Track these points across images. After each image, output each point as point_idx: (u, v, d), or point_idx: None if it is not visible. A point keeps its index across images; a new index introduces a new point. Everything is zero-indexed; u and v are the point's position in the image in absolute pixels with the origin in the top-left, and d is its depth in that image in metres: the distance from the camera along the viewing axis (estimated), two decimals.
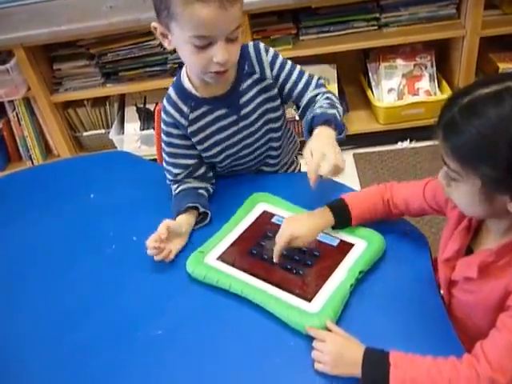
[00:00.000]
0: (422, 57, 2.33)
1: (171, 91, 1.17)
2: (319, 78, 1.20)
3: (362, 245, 1.03)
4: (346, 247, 1.03)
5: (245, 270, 1.02)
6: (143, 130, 2.41)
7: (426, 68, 2.33)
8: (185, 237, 1.13)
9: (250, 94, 1.16)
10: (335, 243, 1.04)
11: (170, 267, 1.08)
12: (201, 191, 1.20)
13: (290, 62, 1.18)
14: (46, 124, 2.39)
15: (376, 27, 2.25)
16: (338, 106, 1.14)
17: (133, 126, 2.43)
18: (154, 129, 2.34)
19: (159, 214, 1.18)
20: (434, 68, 2.33)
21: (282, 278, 0.99)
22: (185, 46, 1.01)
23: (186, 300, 1.02)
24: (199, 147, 1.20)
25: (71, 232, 1.22)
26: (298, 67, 1.19)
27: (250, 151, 1.23)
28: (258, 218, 1.14)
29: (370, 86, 2.38)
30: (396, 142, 2.38)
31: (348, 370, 0.83)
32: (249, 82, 1.15)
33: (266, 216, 1.14)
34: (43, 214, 1.29)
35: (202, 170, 1.22)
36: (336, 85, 2.35)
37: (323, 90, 1.18)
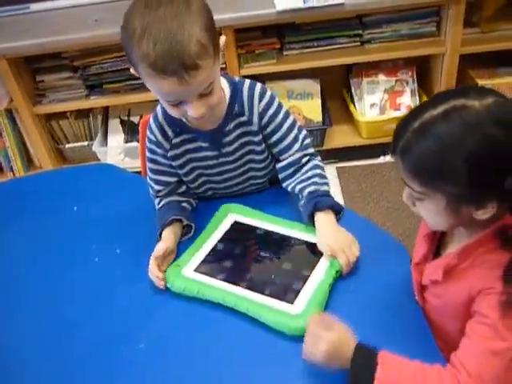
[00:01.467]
0: (404, 72, 2.37)
1: (159, 111, 1.14)
2: (306, 137, 1.16)
3: None
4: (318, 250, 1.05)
5: (224, 279, 1.04)
6: (127, 142, 2.41)
7: (407, 83, 2.37)
8: (175, 250, 1.12)
9: (234, 134, 1.13)
10: (310, 246, 1.07)
11: (152, 280, 1.08)
12: (184, 204, 1.20)
13: (282, 112, 1.13)
14: (28, 135, 2.38)
15: (359, 43, 2.28)
16: (325, 175, 1.15)
17: (116, 138, 2.42)
18: (138, 141, 2.35)
19: (143, 227, 1.19)
20: (416, 84, 2.37)
21: (262, 284, 1.01)
22: (159, 97, 1.01)
23: (169, 313, 1.01)
24: (180, 171, 1.19)
25: (54, 245, 1.21)
26: (290, 119, 1.15)
27: (230, 185, 1.23)
28: (230, 229, 1.16)
29: (352, 101, 2.42)
30: (378, 156, 2.41)
31: (338, 364, 0.83)
32: (235, 122, 1.12)
33: (237, 226, 1.16)
34: (25, 227, 1.28)
35: (183, 188, 1.22)
36: (319, 99, 2.38)
37: (310, 151, 1.15)
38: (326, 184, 1.13)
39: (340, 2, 2.03)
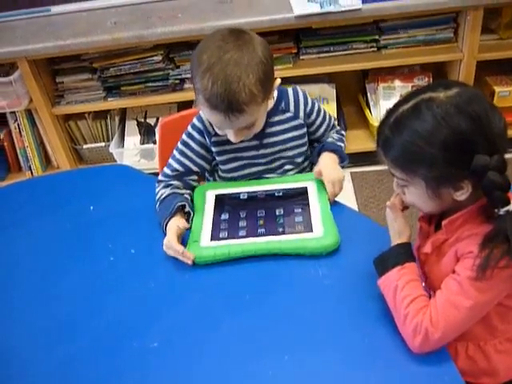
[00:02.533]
0: (420, 78, 2.37)
1: None
2: (332, 119, 1.34)
3: (313, 183, 1.23)
4: (301, 189, 1.23)
5: (243, 236, 1.12)
6: (143, 144, 2.43)
7: None
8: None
9: (278, 128, 1.24)
10: (292, 190, 1.23)
11: (165, 279, 1.09)
12: (186, 195, 1.25)
13: (322, 109, 1.30)
14: (46, 136, 2.42)
15: (375, 49, 2.29)
16: (345, 141, 1.34)
17: (133, 140, 2.45)
18: (154, 143, 2.38)
19: (158, 228, 1.20)
20: None
21: (277, 229, 1.13)
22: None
23: (181, 313, 1.02)
24: (218, 158, 1.27)
25: (70, 243, 1.23)
26: (328, 115, 1.33)
27: (262, 176, 1.30)
28: (216, 202, 1.24)
29: (368, 106, 2.42)
30: None
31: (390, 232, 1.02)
32: (281, 117, 1.24)
33: (221, 197, 1.25)
34: (42, 225, 1.30)
35: (194, 177, 1.28)
36: (335, 104, 2.39)
37: (336, 129, 1.36)
38: (343, 143, 1.31)
39: (357, 7, 2.03)
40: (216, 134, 1.23)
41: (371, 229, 1.15)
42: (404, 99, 0.90)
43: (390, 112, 0.91)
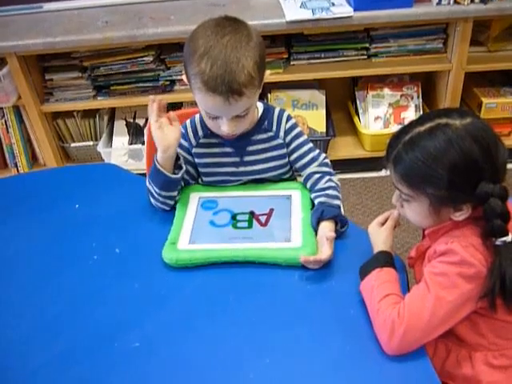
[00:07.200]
0: (409, 88, 2.39)
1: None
2: (326, 157, 1.27)
3: (297, 192, 1.24)
4: (285, 198, 1.23)
5: (220, 242, 1.11)
6: (131, 144, 2.43)
7: (412, 99, 2.39)
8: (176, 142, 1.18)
9: (259, 146, 1.24)
10: (277, 197, 1.23)
11: (149, 280, 1.09)
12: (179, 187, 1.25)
13: (304, 136, 1.26)
14: (34, 133, 2.40)
15: (365, 57, 2.31)
16: (340, 193, 1.23)
17: (121, 139, 2.44)
18: (142, 143, 2.37)
19: (143, 228, 1.20)
20: (420, 99, 2.39)
21: (257, 235, 1.13)
22: (200, 108, 1.15)
23: (164, 314, 1.02)
24: (200, 169, 1.28)
25: (54, 241, 1.22)
26: (310, 144, 1.26)
27: None
28: (198, 204, 1.24)
29: (357, 113, 2.44)
30: (380, 169, 2.43)
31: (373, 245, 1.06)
32: (263, 136, 1.24)
33: (204, 200, 1.24)
34: (26, 222, 1.29)
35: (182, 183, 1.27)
36: (324, 110, 2.40)
37: (326, 169, 1.25)
38: (338, 198, 1.20)
39: (348, 15, 2.05)
40: (197, 145, 1.24)
41: (357, 235, 1.16)
42: (419, 121, 0.94)
43: (403, 130, 0.95)
